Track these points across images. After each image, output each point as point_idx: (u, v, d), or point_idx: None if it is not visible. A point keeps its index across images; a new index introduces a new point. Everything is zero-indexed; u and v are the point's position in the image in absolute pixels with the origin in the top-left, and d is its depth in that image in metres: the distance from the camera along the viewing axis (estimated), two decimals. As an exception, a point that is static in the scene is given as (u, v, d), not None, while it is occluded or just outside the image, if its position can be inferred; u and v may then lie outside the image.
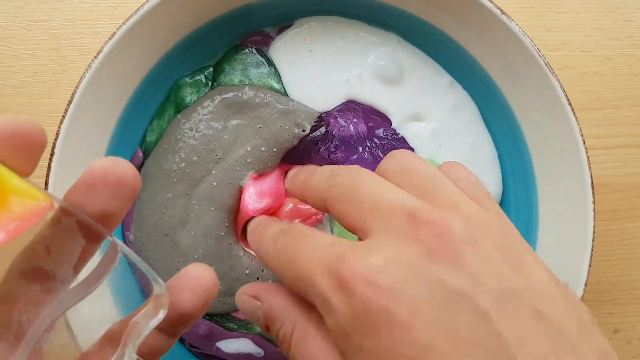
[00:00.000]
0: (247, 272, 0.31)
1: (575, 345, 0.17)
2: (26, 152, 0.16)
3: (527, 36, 0.28)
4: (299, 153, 0.31)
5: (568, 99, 0.28)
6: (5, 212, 0.16)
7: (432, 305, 0.17)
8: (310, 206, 0.31)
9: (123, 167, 0.17)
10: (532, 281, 0.18)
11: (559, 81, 0.28)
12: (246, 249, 0.31)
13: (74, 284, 0.17)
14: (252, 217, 0.31)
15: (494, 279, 0.17)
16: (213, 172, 0.31)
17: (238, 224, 0.31)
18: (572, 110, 0.28)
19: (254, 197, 0.31)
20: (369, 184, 0.20)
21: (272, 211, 0.31)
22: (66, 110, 0.27)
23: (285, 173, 0.32)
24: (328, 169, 0.23)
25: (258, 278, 0.31)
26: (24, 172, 0.17)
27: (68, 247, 0.17)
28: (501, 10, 0.28)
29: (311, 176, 0.24)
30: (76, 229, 0.17)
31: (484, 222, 0.19)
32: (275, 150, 0.31)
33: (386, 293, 0.17)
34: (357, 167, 0.22)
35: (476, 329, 0.16)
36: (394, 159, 0.22)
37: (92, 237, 0.17)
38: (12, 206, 0.16)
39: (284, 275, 0.21)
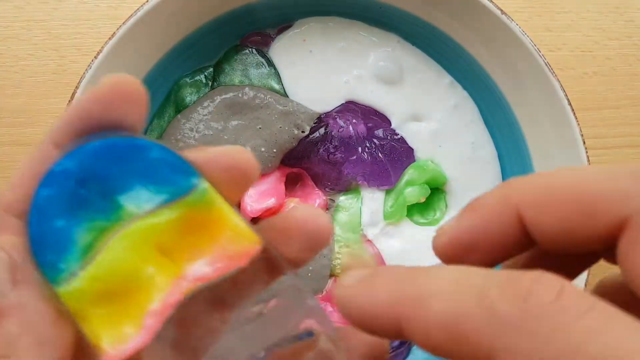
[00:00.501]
0: (247, 272, 0.31)
1: None
2: (239, 183, 0.16)
3: (527, 36, 0.28)
4: (299, 154, 0.31)
5: (568, 99, 0.28)
6: (218, 248, 0.16)
7: None
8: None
9: (322, 219, 0.17)
10: None
11: (559, 81, 0.28)
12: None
13: (255, 322, 0.16)
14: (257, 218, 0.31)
15: None
16: (213, 172, 0.31)
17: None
18: (572, 110, 0.28)
19: (253, 197, 0.31)
20: None
21: (271, 212, 0.31)
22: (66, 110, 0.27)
23: (287, 175, 0.32)
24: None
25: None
26: (235, 198, 0.17)
27: (253, 283, 0.17)
28: (501, 10, 0.28)
29: None
30: (264, 266, 0.16)
31: None
32: (275, 151, 0.31)
33: None
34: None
35: None
36: None
37: (275, 275, 0.17)
38: (226, 243, 0.16)
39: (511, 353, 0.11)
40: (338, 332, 0.17)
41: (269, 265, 0.16)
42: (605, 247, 0.13)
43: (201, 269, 0.15)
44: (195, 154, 0.16)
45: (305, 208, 0.17)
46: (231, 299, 0.16)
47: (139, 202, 0.15)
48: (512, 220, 0.13)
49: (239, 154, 0.16)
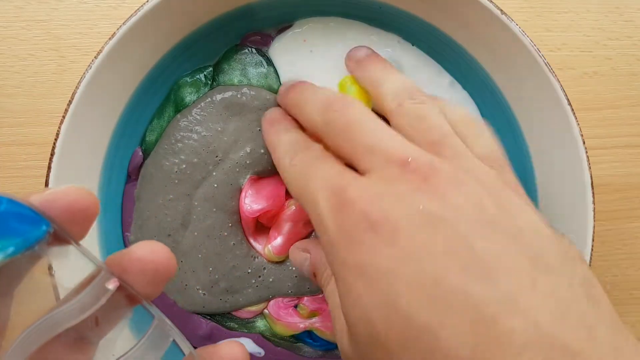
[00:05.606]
0: (249, 271, 0.31)
1: (552, 268, 0.18)
2: (79, 221, 0.17)
3: (527, 36, 0.28)
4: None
5: (568, 99, 0.28)
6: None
7: (412, 226, 0.18)
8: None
9: (160, 255, 0.18)
10: (518, 218, 0.19)
11: (559, 81, 0.28)
12: (252, 247, 0.31)
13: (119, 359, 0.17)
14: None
15: (476, 211, 0.19)
16: (214, 173, 0.31)
17: (243, 223, 0.31)
18: (572, 110, 0.28)
19: (251, 198, 0.31)
20: (365, 126, 0.22)
21: (272, 214, 0.31)
22: (66, 110, 0.27)
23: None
24: (320, 99, 0.24)
25: (260, 276, 0.31)
26: (78, 237, 0.17)
27: (114, 319, 0.17)
28: (501, 11, 0.28)
29: (304, 101, 0.26)
30: (124, 302, 0.17)
31: (477, 172, 0.20)
32: (275, 152, 0.31)
33: (372, 217, 0.19)
34: (351, 101, 0.23)
35: (452, 244, 0.18)
36: (416, 107, 0.23)
37: (133, 304, 0.17)
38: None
39: (292, 187, 0.24)
40: (200, 356, 0.19)
41: (128, 300, 0.17)
42: None
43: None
44: (36, 197, 0.16)
45: (145, 245, 0.18)
46: (94, 337, 0.17)
47: None
48: None
49: (76, 193, 0.17)
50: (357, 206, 0.19)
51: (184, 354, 0.18)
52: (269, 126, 0.28)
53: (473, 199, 0.19)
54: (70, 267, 0.17)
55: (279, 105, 0.30)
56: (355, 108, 0.23)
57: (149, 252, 0.18)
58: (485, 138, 0.24)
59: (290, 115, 0.28)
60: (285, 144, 0.26)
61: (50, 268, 0.16)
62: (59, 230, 0.16)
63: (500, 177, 0.21)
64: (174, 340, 0.17)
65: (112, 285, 0.17)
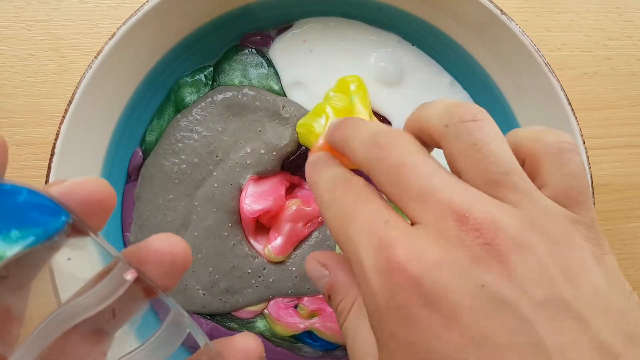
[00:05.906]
0: (249, 271, 0.31)
1: (620, 357, 0.16)
2: (97, 212, 0.17)
3: (527, 36, 0.28)
4: (300, 159, 0.31)
5: (568, 99, 0.28)
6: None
7: (473, 308, 0.17)
8: (311, 208, 0.31)
9: (177, 247, 0.18)
10: (585, 290, 0.17)
11: (559, 81, 0.28)
12: (252, 247, 0.31)
13: (135, 350, 0.17)
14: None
15: (542, 288, 0.17)
16: (214, 173, 0.31)
17: (243, 223, 0.31)
18: (572, 110, 0.28)
19: (251, 198, 0.31)
20: (416, 169, 0.19)
21: (272, 214, 0.31)
22: (66, 110, 0.27)
23: (289, 184, 0.32)
24: (365, 133, 0.21)
25: (260, 277, 0.31)
26: (95, 229, 0.17)
27: (131, 311, 0.17)
28: (501, 11, 0.28)
29: (349, 135, 0.22)
30: (141, 294, 0.17)
31: (546, 222, 0.18)
32: (274, 154, 0.31)
33: (429, 292, 0.17)
34: (398, 136, 0.20)
35: (518, 336, 0.16)
36: (468, 129, 0.19)
37: (149, 296, 0.17)
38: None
39: (331, 226, 0.21)
40: (216, 348, 0.18)
41: (145, 292, 0.17)
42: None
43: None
44: (55, 188, 0.16)
45: (162, 237, 0.18)
46: (110, 329, 0.17)
47: (6, 245, 0.15)
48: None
49: (94, 185, 0.17)
50: (408, 273, 0.17)
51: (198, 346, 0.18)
52: (311, 168, 0.24)
53: (541, 271, 0.17)
54: (88, 258, 0.17)
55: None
56: (404, 144, 0.20)
57: (165, 243, 0.18)
58: (566, 169, 0.19)
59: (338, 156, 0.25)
60: (324, 180, 0.23)
61: (68, 259, 0.16)
62: (77, 222, 0.16)
63: (573, 220, 0.18)
64: (189, 332, 0.17)
65: (129, 276, 0.17)
